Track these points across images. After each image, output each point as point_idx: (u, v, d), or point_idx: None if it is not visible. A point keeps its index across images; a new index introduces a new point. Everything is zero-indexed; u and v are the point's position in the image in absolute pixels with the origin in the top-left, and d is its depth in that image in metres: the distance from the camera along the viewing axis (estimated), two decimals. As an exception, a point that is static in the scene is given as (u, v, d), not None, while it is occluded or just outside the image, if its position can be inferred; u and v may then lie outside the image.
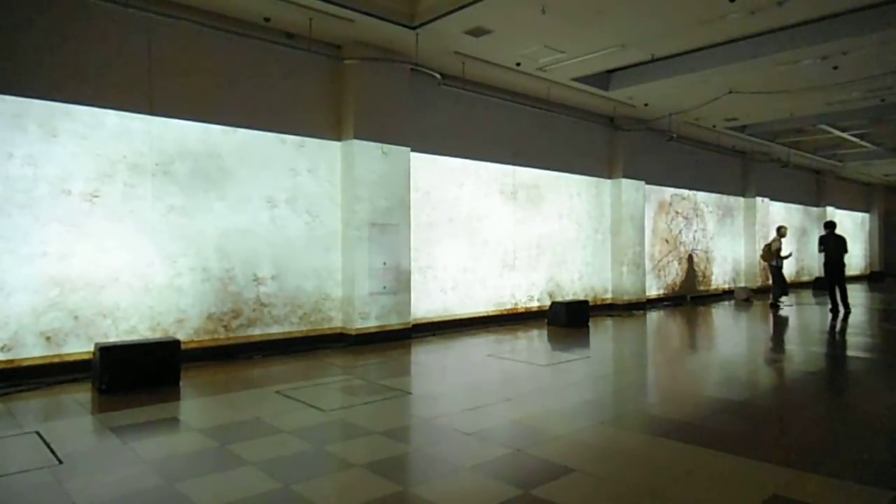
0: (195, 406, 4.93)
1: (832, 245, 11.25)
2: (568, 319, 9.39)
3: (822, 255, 11.57)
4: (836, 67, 8.59)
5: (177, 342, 5.57)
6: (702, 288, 14.55)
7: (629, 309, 11.80)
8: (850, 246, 12.37)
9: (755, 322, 10.69)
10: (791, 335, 9.21)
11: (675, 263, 13.83)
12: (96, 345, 5.30)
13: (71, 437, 4.01)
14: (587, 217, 11.56)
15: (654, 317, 11.14)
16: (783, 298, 12.63)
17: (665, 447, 3.80)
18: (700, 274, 14.52)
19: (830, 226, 11.58)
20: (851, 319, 10.31)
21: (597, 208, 11.78)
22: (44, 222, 5.57)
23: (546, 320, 9.76)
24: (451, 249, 9.05)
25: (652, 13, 6.95)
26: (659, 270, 13.30)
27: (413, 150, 8.26)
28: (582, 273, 11.41)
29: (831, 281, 11.22)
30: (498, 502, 2.96)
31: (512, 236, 10.01)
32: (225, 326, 6.71)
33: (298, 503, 2.97)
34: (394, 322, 7.89)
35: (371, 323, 7.64)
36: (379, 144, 7.74)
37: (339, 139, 7.71)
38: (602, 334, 8.96)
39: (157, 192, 6.25)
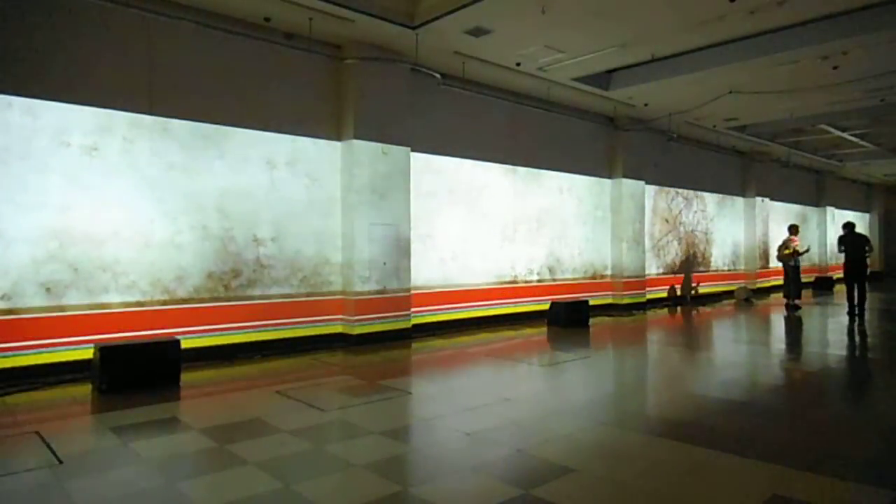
0: (195, 406, 4.93)
1: (852, 243, 10.77)
2: (568, 319, 9.40)
3: (843, 255, 11.05)
4: (836, 67, 8.59)
5: (177, 342, 5.57)
6: (701, 268, 14.59)
7: (629, 309, 11.81)
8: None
9: (755, 322, 10.68)
10: (791, 335, 9.21)
11: (675, 243, 13.90)
12: (96, 345, 5.30)
13: (71, 437, 4.01)
14: (588, 193, 11.57)
15: (653, 317, 11.14)
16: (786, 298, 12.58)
17: (665, 447, 3.80)
18: (699, 256, 14.61)
19: (850, 226, 11.13)
20: (856, 323, 10.17)
21: (597, 184, 11.80)
22: (43, 173, 5.57)
23: (546, 320, 9.77)
24: (451, 220, 9.05)
25: (652, 13, 6.95)
26: (658, 250, 13.37)
27: (413, 150, 8.26)
28: (582, 249, 11.43)
29: (851, 282, 10.68)
30: (498, 502, 2.96)
31: (512, 209, 10.01)
32: (225, 286, 6.72)
33: (299, 503, 2.97)
34: (394, 286, 7.89)
35: (371, 287, 7.65)
36: (379, 144, 7.74)
37: (339, 139, 7.71)
38: (602, 334, 8.95)
39: (156, 149, 6.24)
